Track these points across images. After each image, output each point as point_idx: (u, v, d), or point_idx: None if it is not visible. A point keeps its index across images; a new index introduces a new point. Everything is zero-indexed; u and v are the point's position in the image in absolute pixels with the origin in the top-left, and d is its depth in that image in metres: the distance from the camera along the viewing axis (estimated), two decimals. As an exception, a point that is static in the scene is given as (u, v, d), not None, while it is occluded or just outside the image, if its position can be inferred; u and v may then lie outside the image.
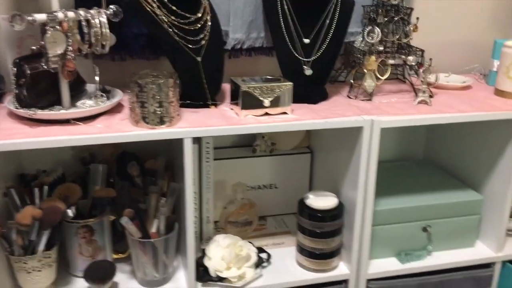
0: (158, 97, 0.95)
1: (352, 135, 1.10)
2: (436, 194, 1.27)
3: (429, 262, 1.23)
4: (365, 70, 1.18)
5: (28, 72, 0.95)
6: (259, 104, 1.05)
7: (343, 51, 1.35)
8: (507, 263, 1.27)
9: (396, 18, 1.20)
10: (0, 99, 1.10)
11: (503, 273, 1.28)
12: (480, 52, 1.47)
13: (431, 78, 1.21)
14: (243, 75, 1.21)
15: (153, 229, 1.08)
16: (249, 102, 1.04)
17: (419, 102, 1.17)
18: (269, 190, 1.36)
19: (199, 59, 1.07)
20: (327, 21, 1.15)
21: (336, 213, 1.16)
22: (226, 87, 1.15)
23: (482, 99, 1.22)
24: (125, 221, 1.04)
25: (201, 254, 1.15)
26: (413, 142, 1.53)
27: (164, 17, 1.03)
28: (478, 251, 1.28)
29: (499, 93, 1.24)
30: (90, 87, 1.09)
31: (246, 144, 1.36)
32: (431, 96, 1.22)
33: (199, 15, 1.07)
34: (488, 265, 1.27)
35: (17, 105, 0.98)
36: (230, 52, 1.28)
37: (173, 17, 1.04)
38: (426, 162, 1.50)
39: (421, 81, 1.19)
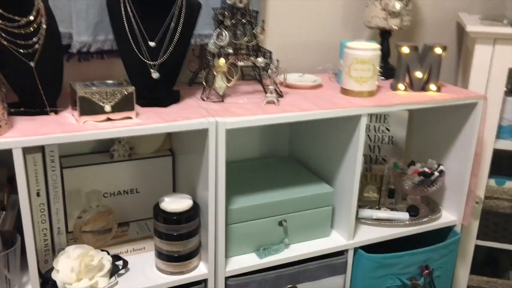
0: (-21, 106, 0.89)
1: (201, 137, 1.11)
2: (292, 189, 1.32)
3: (286, 255, 1.28)
4: (215, 72, 1.21)
5: None
6: (100, 110, 1.02)
7: (198, 53, 1.36)
8: (358, 249, 1.36)
9: (243, 21, 1.23)
10: None
11: (356, 259, 1.37)
12: (332, 52, 1.55)
13: (280, 78, 1.26)
14: (95, 78, 1.18)
15: (-10, 246, 1.02)
16: (88, 107, 1.01)
17: (267, 102, 1.22)
18: (131, 195, 1.34)
19: (32, 64, 1.01)
20: (173, 24, 1.14)
21: (191, 215, 1.17)
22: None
23: (328, 98, 1.29)
24: (-48, 240, 0.96)
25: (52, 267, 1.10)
26: (278, 140, 1.59)
27: (-12, 20, 0.96)
28: (332, 240, 1.35)
29: (344, 91, 1.32)
30: None
31: (106, 150, 1.33)
32: (280, 96, 1.27)
33: (31, 18, 1.02)
34: (341, 253, 1.35)
35: None
36: (79, 55, 1.24)
37: (-1, 20, 0.98)
38: (289, 159, 1.56)
39: (270, 81, 1.23)
